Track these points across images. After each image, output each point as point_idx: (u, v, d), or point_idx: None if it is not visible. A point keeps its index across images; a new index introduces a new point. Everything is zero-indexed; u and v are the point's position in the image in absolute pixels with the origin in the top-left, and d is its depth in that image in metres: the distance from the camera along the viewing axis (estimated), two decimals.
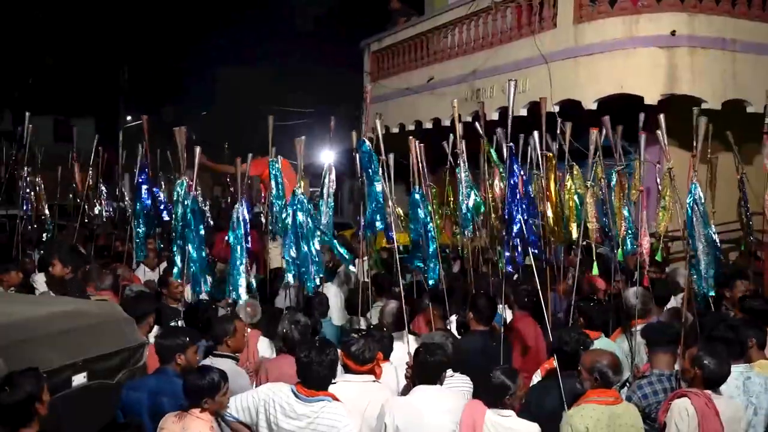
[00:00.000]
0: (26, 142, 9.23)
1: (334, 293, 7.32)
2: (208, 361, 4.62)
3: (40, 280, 6.90)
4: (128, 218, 7.52)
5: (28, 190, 9.57)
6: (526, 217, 5.02)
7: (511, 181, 5.08)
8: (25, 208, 9.48)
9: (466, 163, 6.37)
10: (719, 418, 3.98)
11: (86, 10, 25.63)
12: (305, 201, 6.07)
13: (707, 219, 4.92)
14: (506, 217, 5.09)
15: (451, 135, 7.14)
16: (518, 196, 5.04)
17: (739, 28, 10.21)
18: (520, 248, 5.07)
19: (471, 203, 6.23)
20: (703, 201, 4.90)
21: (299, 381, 3.94)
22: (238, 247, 5.86)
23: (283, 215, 6.38)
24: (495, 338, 5.22)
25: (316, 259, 6.02)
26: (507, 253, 5.07)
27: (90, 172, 10.06)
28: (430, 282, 5.56)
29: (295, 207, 6.00)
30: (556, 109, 10.02)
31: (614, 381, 4.12)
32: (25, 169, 9.44)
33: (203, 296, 6.15)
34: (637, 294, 5.73)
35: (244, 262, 5.85)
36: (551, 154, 5.50)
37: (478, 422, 4.00)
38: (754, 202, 8.50)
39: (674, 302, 6.60)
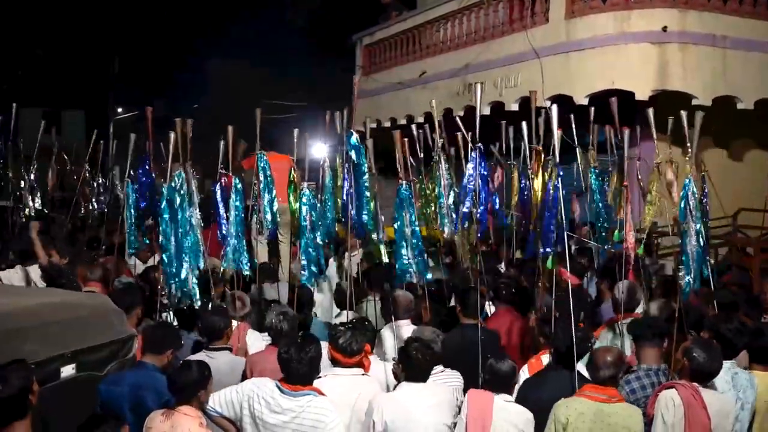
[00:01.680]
0: (39, 136, 9.38)
1: (325, 288, 7.32)
2: (204, 356, 4.62)
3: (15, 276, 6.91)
4: (121, 210, 7.48)
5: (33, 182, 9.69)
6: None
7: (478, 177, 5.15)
8: (36, 200, 9.59)
9: (448, 161, 6.42)
10: (706, 411, 4.00)
11: (77, 1, 25.48)
12: (311, 196, 6.06)
13: (699, 214, 4.96)
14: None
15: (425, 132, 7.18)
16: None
17: (729, 24, 10.25)
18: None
19: (451, 200, 6.29)
20: (696, 196, 4.93)
21: (282, 377, 3.92)
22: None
23: (274, 208, 6.38)
24: (484, 332, 5.23)
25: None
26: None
27: (86, 165, 10.09)
28: (427, 276, 5.53)
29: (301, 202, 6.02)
30: (548, 104, 10.04)
31: (602, 376, 4.09)
32: (34, 163, 9.55)
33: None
34: (623, 288, 5.75)
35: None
36: (540, 148, 5.51)
37: (487, 411, 4.02)
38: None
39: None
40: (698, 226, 4.92)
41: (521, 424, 4.10)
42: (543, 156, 5.46)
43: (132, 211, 7.17)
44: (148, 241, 8.19)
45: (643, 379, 4.49)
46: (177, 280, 5.43)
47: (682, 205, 4.92)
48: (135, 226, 7.23)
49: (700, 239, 4.95)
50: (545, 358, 4.79)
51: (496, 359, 4.27)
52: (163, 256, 5.50)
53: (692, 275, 4.90)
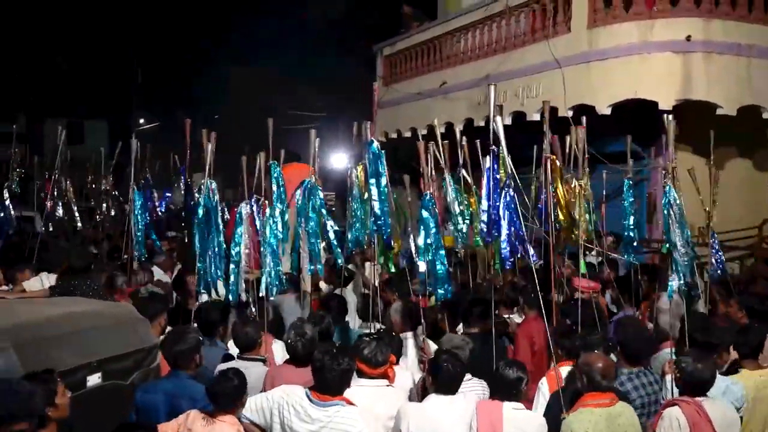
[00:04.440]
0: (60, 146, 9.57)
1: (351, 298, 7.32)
2: (239, 365, 4.62)
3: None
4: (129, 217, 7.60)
5: (56, 193, 9.86)
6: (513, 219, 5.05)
7: (490, 184, 5.08)
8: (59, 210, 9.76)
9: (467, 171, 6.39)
10: (712, 425, 3.95)
11: (99, 12, 25.83)
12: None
13: (684, 220, 4.88)
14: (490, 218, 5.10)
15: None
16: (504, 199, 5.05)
17: (754, 33, 10.14)
18: (508, 249, 5.09)
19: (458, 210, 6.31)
20: (678, 202, 4.86)
21: (313, 386, 3.92)
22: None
23: (285, 218, 6.45)
24: (488, 341, 5.20)
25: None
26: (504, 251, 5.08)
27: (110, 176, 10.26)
28: (439, 295, 5.49)
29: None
30: (570, 114, 9.99)
31: (603, 385, 4.04)
32: (56, 172, 9.75)
33: (214, 297, 6.17)
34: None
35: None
36: (554, 157, 5.48)
37: (497, 422, 3.98)
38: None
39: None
40: (684, 232, 4.85)
41: (532, 430, 4.05)
42: (558, 165, 5.43)
43: (139, 218, 7.25)
44: (159, 246, 8.24)
45: (627, 384, 4.51)
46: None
47: (665, 214, 4.86)
48: (143, 234, 7.31)
49: (688, 248, 4.88)
50: (564, 370, 4.72)
51: (503, 366, 4.23)
52: (198, 262, 5.60)
53: (681, 281, 4.83)
